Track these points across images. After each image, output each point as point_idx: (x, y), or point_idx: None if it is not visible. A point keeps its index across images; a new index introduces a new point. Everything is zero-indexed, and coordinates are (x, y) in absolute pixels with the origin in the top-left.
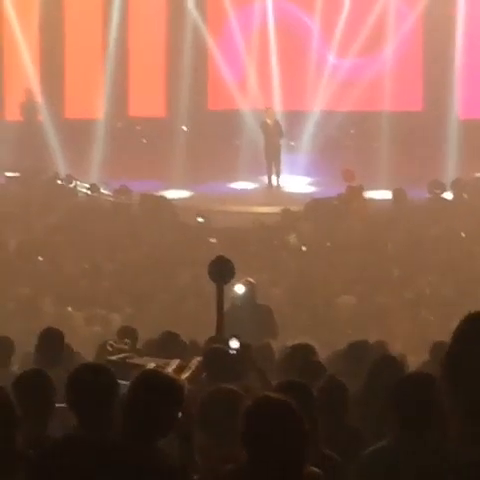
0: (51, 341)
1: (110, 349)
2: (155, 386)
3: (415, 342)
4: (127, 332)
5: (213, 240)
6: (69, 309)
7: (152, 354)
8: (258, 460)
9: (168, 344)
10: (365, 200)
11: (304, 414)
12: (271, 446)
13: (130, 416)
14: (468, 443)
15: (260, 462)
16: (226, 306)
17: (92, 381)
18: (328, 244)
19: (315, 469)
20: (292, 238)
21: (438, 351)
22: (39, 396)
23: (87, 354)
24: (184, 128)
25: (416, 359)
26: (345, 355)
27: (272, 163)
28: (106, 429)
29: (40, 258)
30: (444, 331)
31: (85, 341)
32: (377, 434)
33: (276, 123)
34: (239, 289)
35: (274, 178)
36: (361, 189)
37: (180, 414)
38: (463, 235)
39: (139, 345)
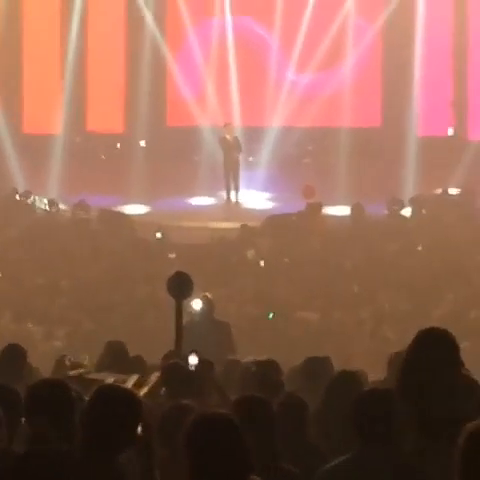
0: (13, 358)
1: (68, 364)
2: (112, 400)
3: (374, 358)
4: (114, 346)
5: (172, 255)
6: (28, 325)
7: (111, 369)
8: (199, 475)
9: (116, 359)
10: (324, 216)
11: (262, 429)
12: (211, 461)
13: (88, 430)
14: (427, 459)
15: (201, 477)
16: (184, 321)
17: (49, 396)
18: (286, 260)
19: (257, 478)
20: (250, 254)
21: (397, 362)
22: (7, 410)
23: (46, 369)
24: (142, 143)
25: (375, 375)
26: (302, 371)
27: (231, 179)
28: (65, 444)
29: None
30: (403, 346)
31: (44, 356)
32: (336, 450)
33: (235, 139)
34: (196, 304)
35: (233, 194)
36: (320, 206)
37: (140, 428)
38: (420, 248)
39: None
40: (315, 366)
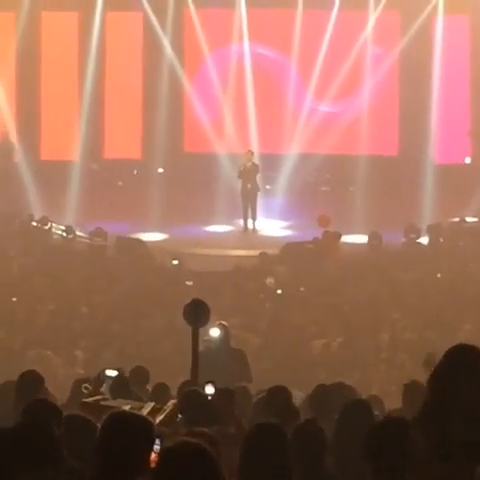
0: (30, 384)
1: (85, 392)
2: (123, 425)
3: (390, 386)
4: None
5: (189, 283)
6: (44, 351)
7: (126, 397)
8: None
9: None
10: (341, 244)
11: (276, 455)
12: None
13: (102, 457)
14: None
15: None
16: (200, 349)
17: None
18: (302, 288)
19: None
20: (269, 281)
21: (411, 392)
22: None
23: (64, 397)
24: (160, 170)
25: (391, 403)
26: (310, 399)
27: (248, 206)
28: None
29: (14, 299)
30: (419, 374)
31: (62, 383)
32: None
33: (254, 166)
34: (213, 332)
35: (250, 221)
36: (338, 235)
37: (155, 454)
38: (439, 276)
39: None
40: (323, 394)
